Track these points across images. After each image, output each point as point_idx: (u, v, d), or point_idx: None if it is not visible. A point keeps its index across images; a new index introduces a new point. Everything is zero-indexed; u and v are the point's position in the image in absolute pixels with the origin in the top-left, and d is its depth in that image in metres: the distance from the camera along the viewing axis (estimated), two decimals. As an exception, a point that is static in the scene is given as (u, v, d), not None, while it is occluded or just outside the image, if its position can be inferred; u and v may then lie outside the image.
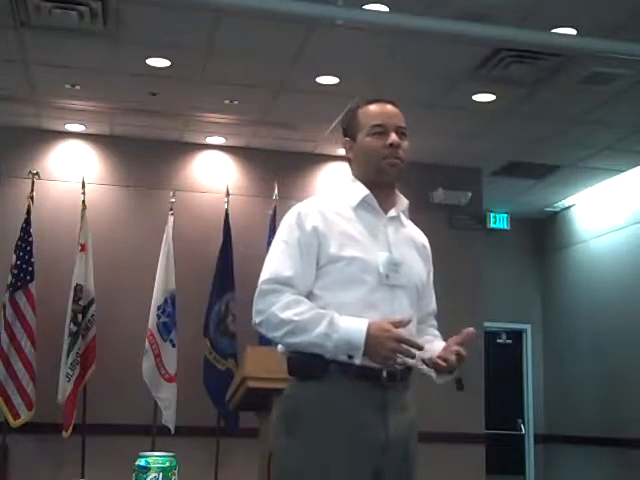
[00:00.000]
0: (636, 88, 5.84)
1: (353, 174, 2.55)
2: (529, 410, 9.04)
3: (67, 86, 6.13)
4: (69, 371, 6.13)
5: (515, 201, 8.65)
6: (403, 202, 2.55)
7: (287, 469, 2.31)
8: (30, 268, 6.23)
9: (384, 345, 2.23)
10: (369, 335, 2.23)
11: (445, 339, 2.47)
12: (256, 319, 2.34)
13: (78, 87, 6.15)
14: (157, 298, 6.43)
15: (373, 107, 2.51)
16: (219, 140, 7.23)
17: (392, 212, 2.50)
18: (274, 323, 2.30)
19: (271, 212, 6.82)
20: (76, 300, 6.27)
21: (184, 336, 6.49)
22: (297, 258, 2.36)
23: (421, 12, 4.80)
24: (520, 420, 8.99)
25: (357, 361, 2.25)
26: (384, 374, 2.30)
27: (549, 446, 8.85)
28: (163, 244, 6.56)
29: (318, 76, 5.85)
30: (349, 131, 2.54)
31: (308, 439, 2.27)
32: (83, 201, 6.57)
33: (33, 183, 6.51)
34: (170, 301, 6.45)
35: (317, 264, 2.37)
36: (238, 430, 6.27)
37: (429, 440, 6.98)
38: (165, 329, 6.39)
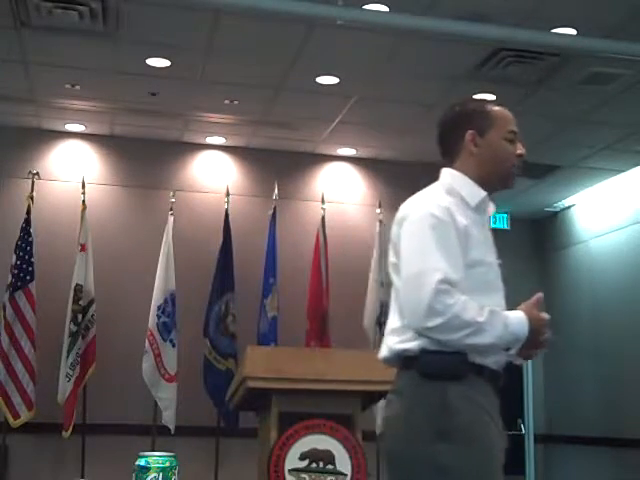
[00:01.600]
0: (636, 88, 5.84)
1: (463, 167, 2.46)
2: (529, 410, 9.03)
3: (67, 86, 6.13)
4: (69, 371, 6.13)
5: (515, 201, 8.64)
6: (492, 206, 2.51)
7: (459, 476, 2.21)
8: (30, 268, 6.22)
9: (539, 335, 2.31)
10: (530, 329, 2.28)
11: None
12: (431, 322, 2.19)
13: (78, 87, 6.15)
14: (157, 298, 6.43)
15: (507, 112, 2.49)
16: (219, 140, 7.23)
17: (489, 214, 2.50)
18: (455, 325, 2.19)
19: (271, 212, 6.83)
20: (76, 300, 6.26)
21: (184, 336, 6.49)
22: (459, 258, 2.28)
23: (421, 12, 4.80)
24: (520, 420, 8.99)
25: (512, 352, 2.31)
26: (501, 377, 2.38)
27: (549, 446, 8.85)
28: (163, 244, 6.56)
29: (318, 76, 5.85)
30: (476, 124, 2.45)
31: (472, 444, 2.23)
32: (83, 201, 6.57)
33: (33, 183, 6.51)
34: (170, 301, 6.45)
35: None
36: (238, 430, 6.28)
37: (429, 440, 7.02)
38: (165, 329, 6.38)
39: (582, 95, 6.00)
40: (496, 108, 2.48)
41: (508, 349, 2.30)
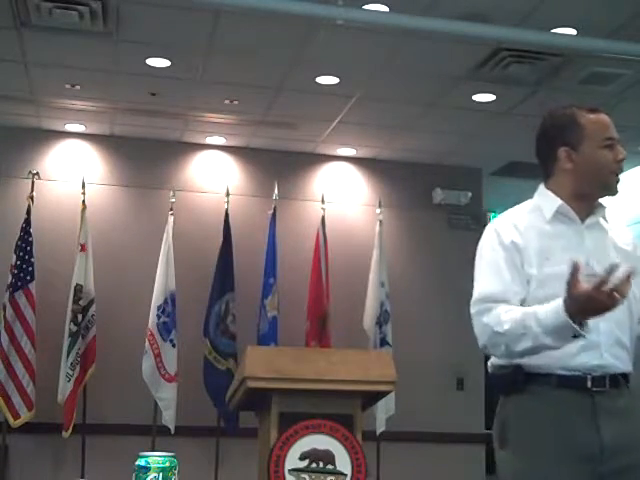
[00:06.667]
0: (636, 88, 5.84)
1: (558, 183, 2.46)
2: None
3: (67, 86, 6.13)
4: (69, 371, 6.13)
5: (515, 201, 8.60)
6: (602, 208, 2.48)
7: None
8: (30, 268, 6.22)
9: (587, 305, 2.12)
10: (569, 310, 2.14)
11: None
12: (479, 343, 2.37)
13: (78, 87, 6.15)
14: (157, 298, 6.43)
15: (601, 117, 2.47)
16: (219, 140, 7.23)
17: (590, 220, 2.44)
18: (494, 341, 2.30)
19: (271, 212, 6.82)
20: (76, 300, 6.26)
21: (184, 336, 6.49)
22: (502, 272, 2.36)
23: (421, 12, 4.80)
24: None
25: (585, 334, 2.16)
26: (589, 381, 2.28)
27: None
28: (163, 244, 6.56)
29: (318, 76, 5.85)
30: (569, 139, 2.42)
31: (518, 452, 2.29)
32: (83, 201, 6.57)
33: (33, 183, 6.51)
34: (170, 301, 6.45)
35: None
36: (238, 430, 6.28)
37: (430, 440, 7.02)
38: (165, 329, 6.38)
39: (582, 95, 5.99)
40: (589, 116, 2.46)
41: (575, 336, 2.17)
